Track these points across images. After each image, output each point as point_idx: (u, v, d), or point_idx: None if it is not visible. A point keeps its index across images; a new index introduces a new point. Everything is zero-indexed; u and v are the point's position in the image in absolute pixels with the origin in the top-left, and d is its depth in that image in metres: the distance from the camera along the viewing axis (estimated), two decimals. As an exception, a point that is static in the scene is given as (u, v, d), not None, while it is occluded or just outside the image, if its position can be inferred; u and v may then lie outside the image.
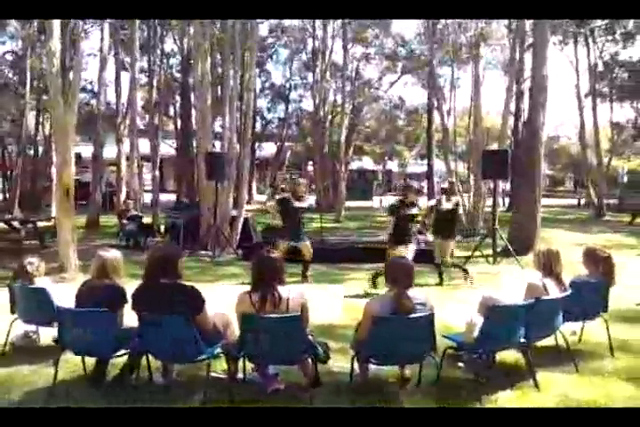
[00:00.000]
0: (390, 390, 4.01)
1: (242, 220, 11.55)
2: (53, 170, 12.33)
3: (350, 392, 3.87)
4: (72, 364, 4.19)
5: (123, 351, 3.91)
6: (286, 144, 30.80)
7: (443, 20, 18.31)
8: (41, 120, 22.47)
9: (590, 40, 22.28)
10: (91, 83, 22.98)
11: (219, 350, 3.84)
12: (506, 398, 3.83)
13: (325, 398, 3.79)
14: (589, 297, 4.68)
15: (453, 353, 4.29)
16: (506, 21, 20.69)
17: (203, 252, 10.57)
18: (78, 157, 16.47)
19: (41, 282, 4.81)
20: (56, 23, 8.34)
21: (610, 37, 22.44)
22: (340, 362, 4.19)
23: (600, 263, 4.84)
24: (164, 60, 21.15)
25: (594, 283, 4.78)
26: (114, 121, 18.18)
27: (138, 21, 15.51)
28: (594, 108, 22.37)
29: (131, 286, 3.95)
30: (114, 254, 4.24)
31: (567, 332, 4.65)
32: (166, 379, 4.05)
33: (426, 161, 28.31)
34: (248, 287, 3.86)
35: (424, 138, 29.14)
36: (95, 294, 3.99)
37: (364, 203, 26.74)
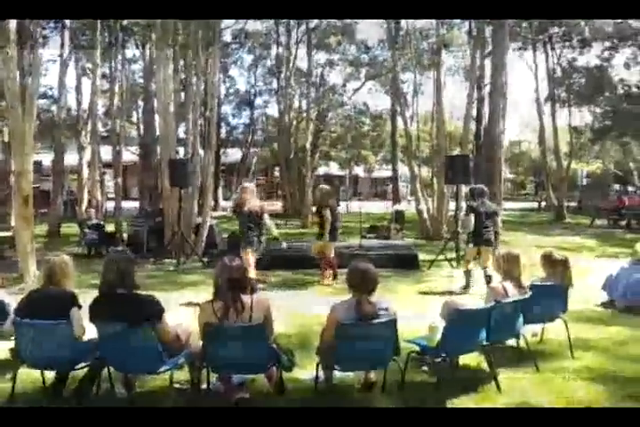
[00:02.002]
0: (356, 395, 4.01)
1: (207, 227, 11.44)
2: (12, 178, 12.04)
3: (316, 398, 3.87)
4: (31, 377, 4.08)
5: (83, 364, 3.83)
6: (252, 150, 30.69)
7: (405, 27, 18.52)
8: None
9: (548, 46, 22.84)
10: (51, 89, 22.50)
11: (181, 360, 3.79)
12: (468, 401, 3.87)
13: (291, 405, 3.78)
14: (549, 299, 4.79)
15: (417, 357, 4.34)
16: (466, 28, 21.13)
17: (167, 260, 10.41)
18: (38, 164, 16.12)
19: (-3, 294, 4.69)
20: (12, 27, 8.17)
21: (567, 44, 23.01)
22: (307, 369, 4.19)
23: (557, 266, 4.96)
24: (126, 66, 20.86)
25: (552, 285, 4.89)
26: (75, 128, 17.85)
27: (99, 26, 15.29)
28: (553, 113, 22.90)
29: (92, 295, 3.86)
30: (63, 259, 4.13)
31: (528, 334, 4.74)
32: (128, 391, 3.98)
33: (391, 166, 28.59)
34: (211, 296, 3.83)
35: (389, 143, 29.40)
36: (43, 304, 3.85)
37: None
